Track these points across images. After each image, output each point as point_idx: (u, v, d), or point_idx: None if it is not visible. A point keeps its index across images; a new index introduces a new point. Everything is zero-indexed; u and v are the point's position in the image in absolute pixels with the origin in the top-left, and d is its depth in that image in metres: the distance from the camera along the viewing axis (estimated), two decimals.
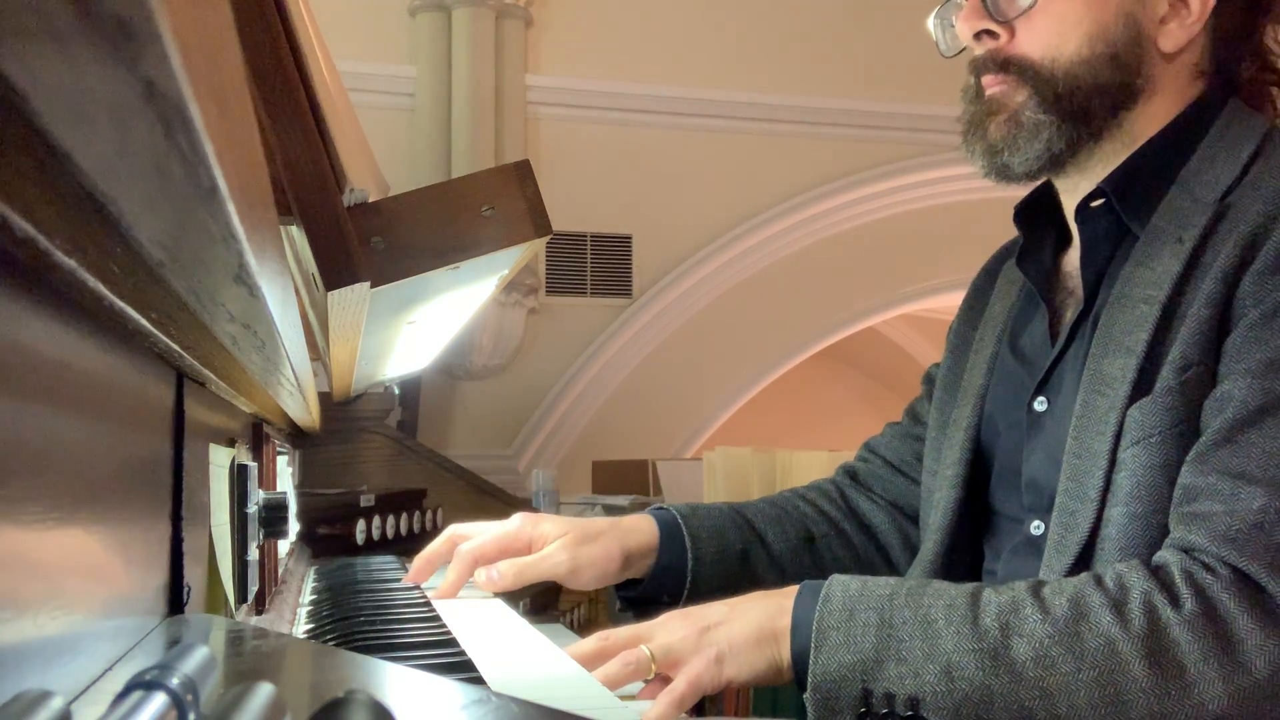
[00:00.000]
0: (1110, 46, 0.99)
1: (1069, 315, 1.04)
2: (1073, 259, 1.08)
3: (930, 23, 1.14)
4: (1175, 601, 0.80)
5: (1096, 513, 0.90)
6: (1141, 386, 0.90)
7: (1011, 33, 1.02)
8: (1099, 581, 0.84)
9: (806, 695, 0.85)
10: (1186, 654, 0.79)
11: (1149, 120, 1.01)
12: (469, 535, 1.19)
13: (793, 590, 0.90)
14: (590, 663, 0.89)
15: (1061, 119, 1.00)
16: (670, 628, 0.91)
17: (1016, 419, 1.06)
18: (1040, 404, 1.03)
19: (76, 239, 0.30)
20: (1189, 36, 1.00)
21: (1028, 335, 1.10)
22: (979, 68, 1.05)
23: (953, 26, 1.09)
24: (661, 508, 1.24)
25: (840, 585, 0.88)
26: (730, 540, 1.21)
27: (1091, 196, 1.02)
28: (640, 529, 1.19)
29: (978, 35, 1.04)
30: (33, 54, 0.19)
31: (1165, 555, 0.84)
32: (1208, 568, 0.81)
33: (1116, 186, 1.00)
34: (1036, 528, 1.00)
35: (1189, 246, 0.92)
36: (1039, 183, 1.09)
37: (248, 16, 0.75)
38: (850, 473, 1.33)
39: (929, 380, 1.30)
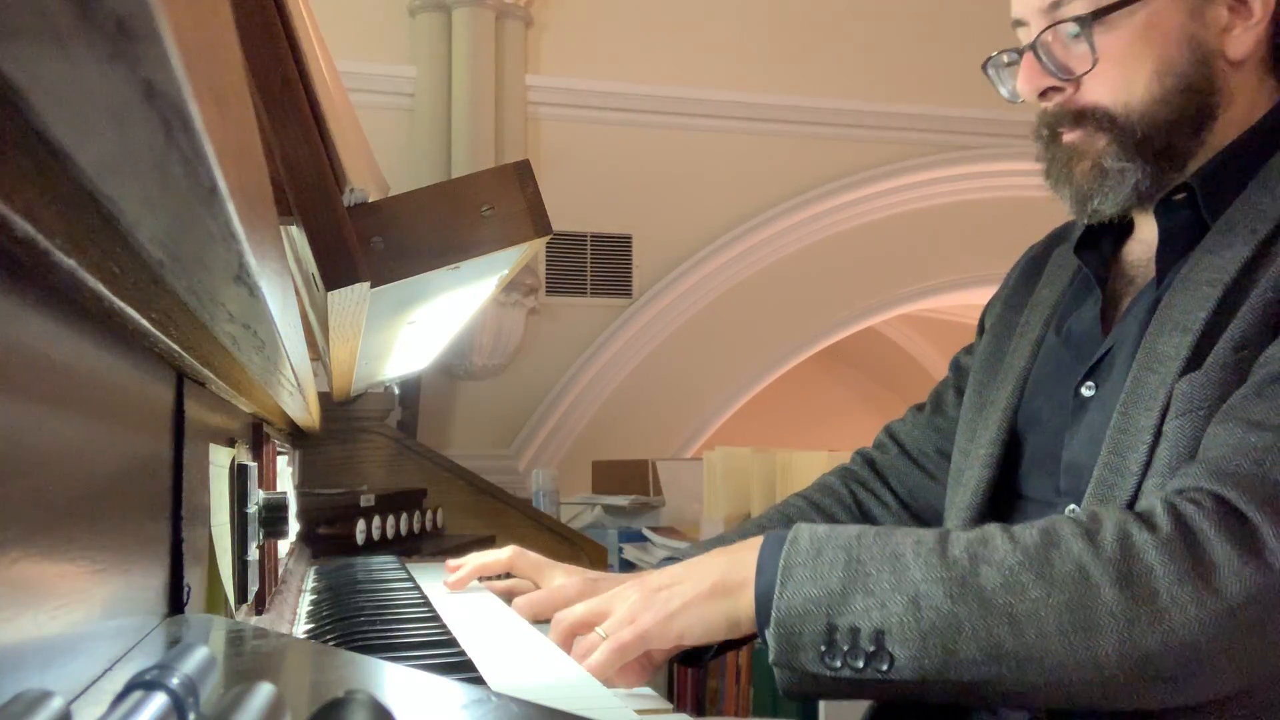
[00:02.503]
0: (1180, 78, 0.97)
1: (1125, 302, 1.03)
2: (1134, 249, 1.07)
3: (987, 71, 1.12)
4: (1152, 527, 0.79)
5: (1135, 487, 0.89)
6: (1193, 363, 0.89)
7: (1077, 84, 1.00)
8: (1072, 518, 0.83)
9: (768, 631, 0.83)
10: (1160, 578, 0.77)
11: (1229, 126, 1.00)
12: (533, 561, 1.23)
13: (756, 541, 0.89)
14: (559, 645, 0.91)
15: (1146, 161, 0.99)
16: (624, 596, 0.91)
17: (1061, 403, 1.04)
18: (1088, 389, 1.01)
19: (76, 239, 0.30)
20: (1256, 38, 0.98)
21: (1076, 319, 1.08)
22: (1053, 122, 1.03)
23: (1012, 66, 1.07)
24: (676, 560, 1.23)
25: (808, 529, 0.87)
26: None
27: (1175, 190, 1.00)
28: None
29: (1043, 93, 1.02)
30: (33, 54, 0.19)
31: (1151, 497, 0.84)
32: (1193, 500, 0.80)
33: (1203, 183, 0.98)
34: (1071, 512, 0.98)
35: (1262, 235, 0.91)
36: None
37: (248, 16, 0.75)
38: (868, 461, 1.31)
39: (956, 367, 1.28)
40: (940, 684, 0.80)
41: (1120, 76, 0.98)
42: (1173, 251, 0.99)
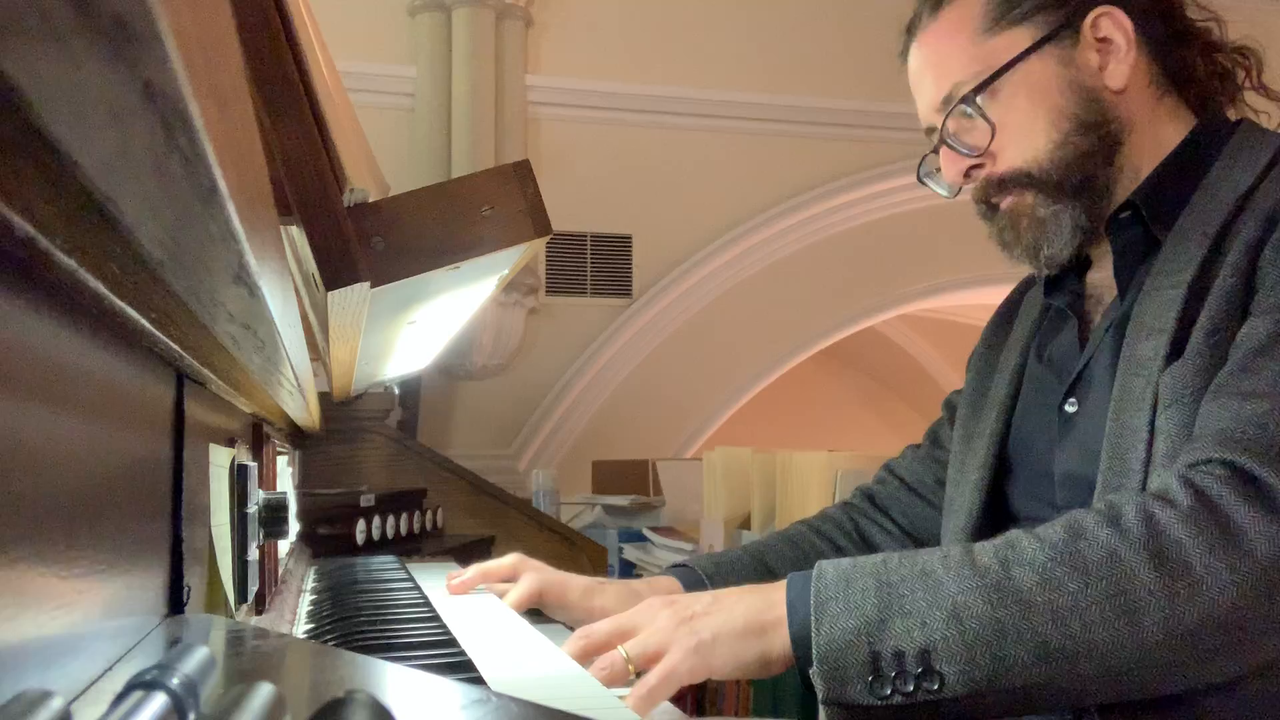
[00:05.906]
0: (1072, 119, 1.05)
1: (1098, 320, 1.08)
2: (1096, 276, 1.12)
3: (923, 182, 1.21)
4: (1172, 503, 0.80)
5: (1140, 484, 0.90)
6: (1172, 360, 0.92)
7: (993, 157, 1.08)
8: (1091, 509, 0.84)
9: (813, 670, 0.81)
10: (1190, 550, 0.78)
11: (1144, 147, 1.07)
12: (535, 569, 1.21)
13: (780, 583, 0.88)
14: (576, 659, 0.89)
15: (1071, 197, 1.06)
16: (653, 619, 0.88)
17: (1047, 422, 1.07)
18: (1071, 405, 1.05)
19: (76, 239, 0.30)
20: (1130, 66, 1.06)
21: (1056, 344, 1.13)
22: (984, 196, 1.11)
23: (939, 172, 1.15)
24: (686, 566, 1.23)
25: (831, 563, 0.87)
26: None
27: (1121, 209, 1.06)
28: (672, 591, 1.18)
29: (966, 174, 1.11)
30: (33, 54, 0.19)
31: (1164, 475, 0.85)
32: (1206, 471, 0.82)
33: (1144, 198, 1.04)
34: None
35: (1213, 234, 0.96)
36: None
37: (248, 16, 0.75)
38: (868, 495, 1.33)
39: (949, 406, 1.31)
40: (993, 694, 0.79)
41: (1021, 136, 1.07)
42: (1129, 264, 1.04)
